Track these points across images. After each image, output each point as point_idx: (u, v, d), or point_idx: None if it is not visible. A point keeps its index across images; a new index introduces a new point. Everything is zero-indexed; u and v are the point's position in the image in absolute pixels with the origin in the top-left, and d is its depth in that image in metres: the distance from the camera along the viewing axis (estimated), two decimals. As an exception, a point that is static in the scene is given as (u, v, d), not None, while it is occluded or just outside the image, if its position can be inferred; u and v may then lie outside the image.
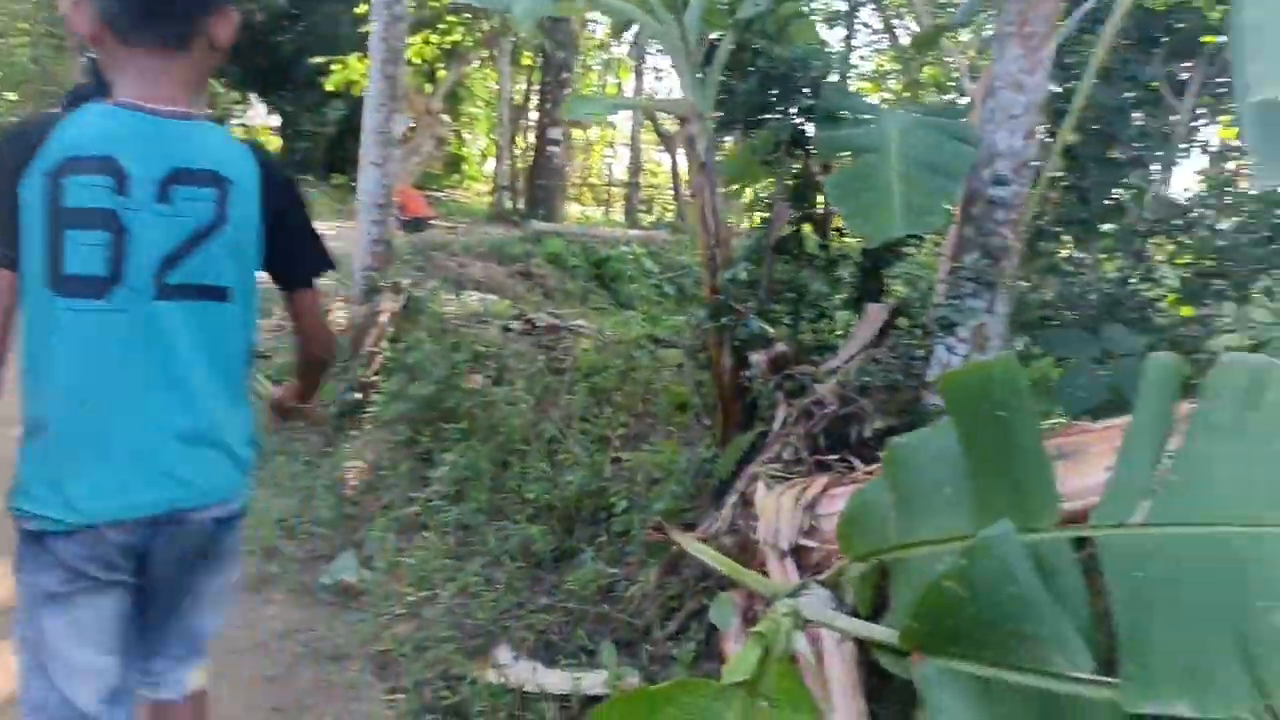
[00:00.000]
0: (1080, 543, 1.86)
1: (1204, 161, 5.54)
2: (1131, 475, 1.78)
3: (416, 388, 5.60)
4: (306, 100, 17.32)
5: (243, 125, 21.28)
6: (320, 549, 4.77)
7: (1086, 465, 2.65)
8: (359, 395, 6.03)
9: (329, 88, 14.58)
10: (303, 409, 2.46)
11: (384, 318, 6.51)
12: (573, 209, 20.37)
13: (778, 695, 2.01)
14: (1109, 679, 1.58)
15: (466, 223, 15.01)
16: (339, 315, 7.51)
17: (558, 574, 4.36)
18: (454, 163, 24.35)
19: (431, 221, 12.56)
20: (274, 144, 20.66)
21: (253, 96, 20.38)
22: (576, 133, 22.29)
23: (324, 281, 7.10)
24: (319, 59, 14.64)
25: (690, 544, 2.53)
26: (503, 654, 3.80)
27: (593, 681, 3.51)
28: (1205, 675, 1.46)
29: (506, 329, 7.15)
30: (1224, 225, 5.11)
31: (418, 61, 14.46)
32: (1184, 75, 4.92)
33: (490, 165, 19.22)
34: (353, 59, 13.68)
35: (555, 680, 3.60)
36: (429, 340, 6.38)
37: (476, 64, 19.31)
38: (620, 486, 4.70)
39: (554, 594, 4.17)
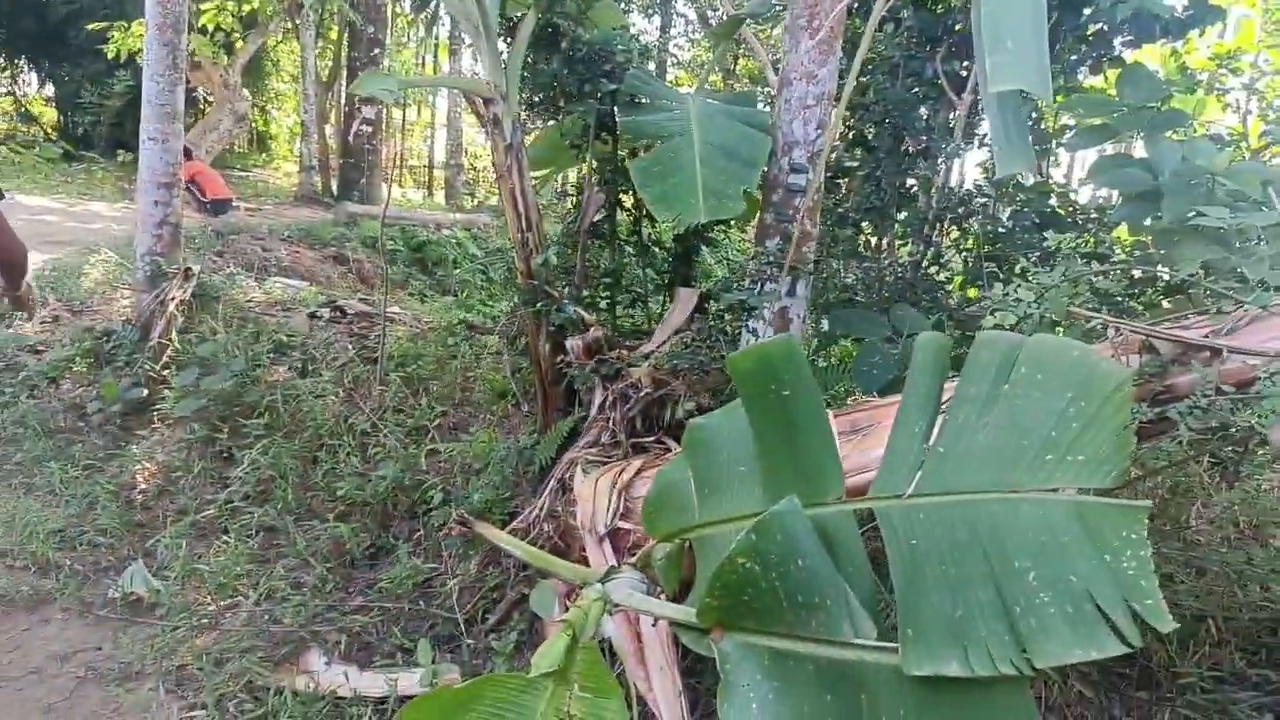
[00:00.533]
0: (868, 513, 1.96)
1: (984, 154, 5.99)
2: (905, 448, 1.89)
3: (212, 381, 5.19)
4: (88, 69, 15.55)
5: (10, 95, 18.97)
6: (105, 561, 4.36)
7: (877, 439, 2.82)
8: (145, 391, 5.53)
9: (110, 55, 13.26)
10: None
11: (172, 306, 5.99)
12: (392, 191, 19.62)
13: (586, 682, 2.02)
14: (890, 644, 1.68)
15: (274, 205, 14.11)
16: (123, 304, 6.87)
17: (372, 572, 4.19)
18: (261, 141, 22.82)
19: (234, 203, 11.68)
20: (49, 116, 18.58)
21: (23, 63, 18.18)
22: (395, 112, 21.43)
23: (107, 266, 6.47)
24: (98, 24, 13.29)
25: (496, 536, 2.48)
26: (313, 659, 3.63)
27: (409, 681, 3.41)
28: (972, 634, 1.57)
29: (314, 316, 6.78)
30: (1003, 213, 5.60)
31: (212, 29, 13.39)
32: (964, 72, 5.29)
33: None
34: (136, 24, 12.52)
35: (370, 682, 3.47)
36: (225, 330, 5.94)
37: (280, 35, 18.13)
38: (437, 479, 4.57)
39: (368, 594, 4.01)
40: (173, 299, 6.09)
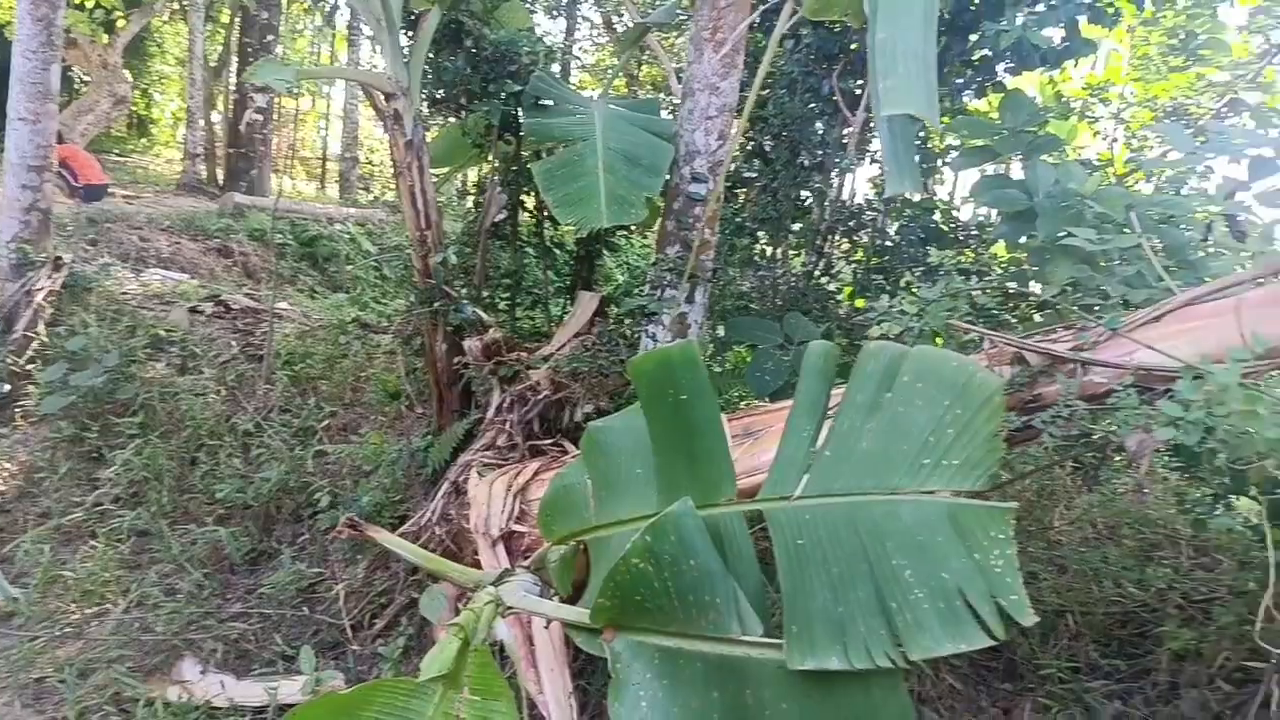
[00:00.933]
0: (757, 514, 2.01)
1: (875, 169, 6.23)
2: (794, 452, 1.95)
3: (81, 377, 4.90)
4: (-56, 41, 14.46)
5: None
6: (-45, 569, 4.06)
7: (768, 443, 2.89)
8: (8, 387, 5.16)
9: (-28, 28, 12.34)
10: None
11: (40, 297, 5.62)
12: (282, 183, 18.91)
13: (476, 685, 2.00)
14: (776, 641, 1.73)
15: (154, 193, 13.39)
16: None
17: (253, 578, 4.04)
18: (142, 126, 21.62)
19: (110, 190, 10.99)
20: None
21: None
22: (287, 102, 20.66)
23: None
24: (-43, -8, 12.35)
25: (386, 539, 2.43)
26: (187, 669, 3.47)
27: (291, 689, 3.31)
28: (852, 630, 1.64)
29: (195, 311, 6.47)
30: (891, 228, 5.84)
31: (91, 6, 12.61)
32: (858, 90, 5.49)
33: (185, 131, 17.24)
34: (3, -4, 11.72)
35: (248, 691, 3.34)
36: (97, 324, 5.61)
37: (166, 16, 17.23)
38: (324, 481, 4.44)
39: (248, 600, 3.87)
40: (40, 289, 5.72)
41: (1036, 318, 4.04)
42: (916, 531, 1.65)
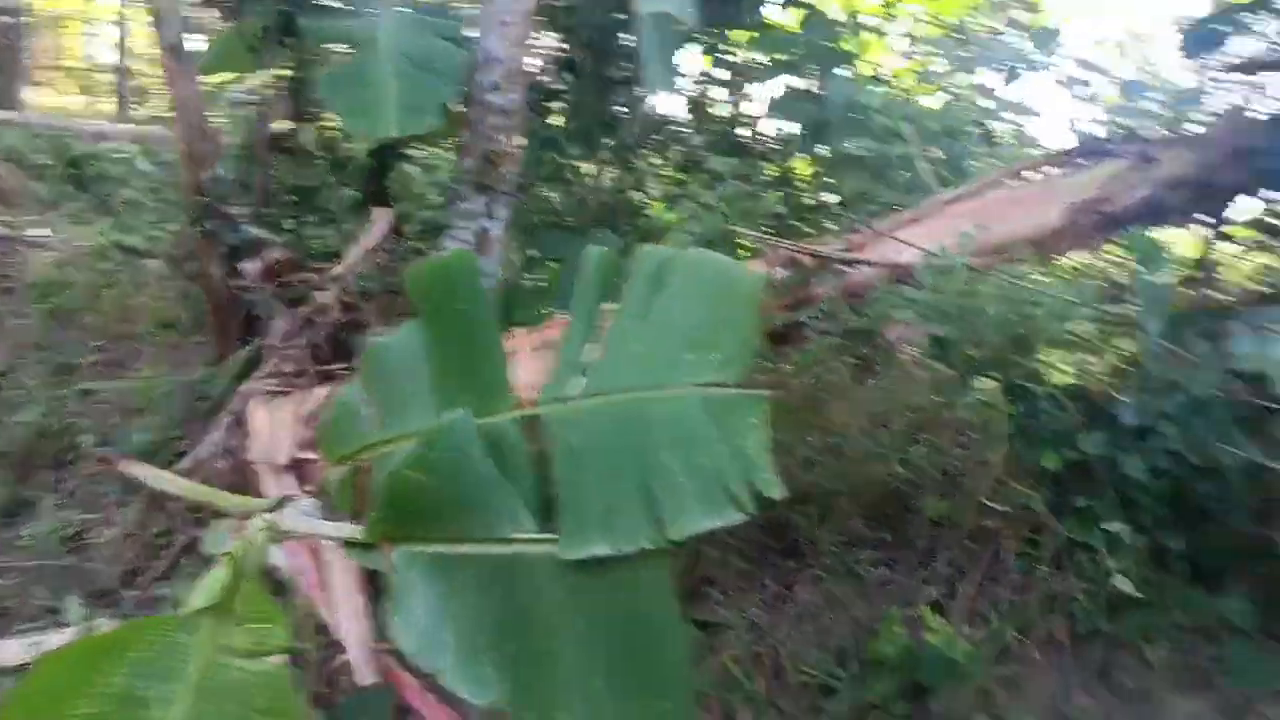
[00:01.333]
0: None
1: (684, 83, 6.23)
2: (571, 355, 1.96)
3: None
4: None
5: None
6: None
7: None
8: None
9: None
10: None
11: None
12: (42, 96, 16.79)
13: (248, 612, 1.91)
14: (547, 535, 1.75)
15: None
16: None
17: (10, 530, 3.67)
18: None
19: None
20: None
21: None
22: (46, 3, 18.20)
23: None
24: None
25: (147, 474, 2.24)
26: (-68, 633, 3.14)
27: (58, 642, 3.05)
28: (619, 517, 1.69)
29: (-70, 240, 5.69)
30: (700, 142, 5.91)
31: None
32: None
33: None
34: None
35: (8, 650, 3.06)
36: None
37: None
38: (91, 422, 4.06)
39: (6, 554, 3.51)
40: None
41: (831, 226, 4.23)
42: (679, 423, 1.70)
